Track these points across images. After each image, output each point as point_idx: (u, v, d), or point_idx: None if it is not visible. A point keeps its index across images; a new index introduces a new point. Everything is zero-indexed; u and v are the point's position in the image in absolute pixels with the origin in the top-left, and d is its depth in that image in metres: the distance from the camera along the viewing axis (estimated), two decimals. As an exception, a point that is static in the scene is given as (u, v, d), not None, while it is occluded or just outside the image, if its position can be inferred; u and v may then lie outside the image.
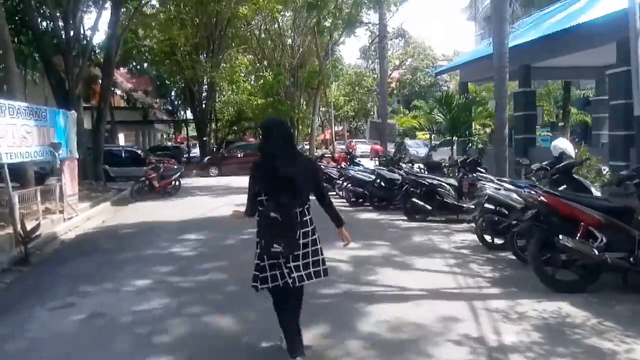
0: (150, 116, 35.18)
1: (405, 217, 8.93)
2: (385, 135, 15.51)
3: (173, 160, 17.37)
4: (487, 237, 6.44)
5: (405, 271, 5.78)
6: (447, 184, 8.45)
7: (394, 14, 15.61)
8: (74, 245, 8.26)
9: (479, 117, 11.12)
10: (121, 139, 46.45)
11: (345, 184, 11.30)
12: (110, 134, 27.45)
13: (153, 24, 25.89)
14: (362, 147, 39.32)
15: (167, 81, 33.10)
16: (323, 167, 13.60)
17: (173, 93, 41.65)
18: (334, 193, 12.93)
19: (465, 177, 8.93)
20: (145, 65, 30.79)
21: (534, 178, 6.81)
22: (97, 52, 21.29)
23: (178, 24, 25.69)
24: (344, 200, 11.49)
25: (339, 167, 13.11)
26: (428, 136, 19.08)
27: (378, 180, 10.23)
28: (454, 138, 11.48)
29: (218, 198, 14.16)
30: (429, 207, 8.39)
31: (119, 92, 31.01)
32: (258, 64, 31.99)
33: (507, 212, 6.10)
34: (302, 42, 30.57)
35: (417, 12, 79.62)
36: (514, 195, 5.92)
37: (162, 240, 7.99)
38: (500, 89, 9.43)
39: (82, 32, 16.19)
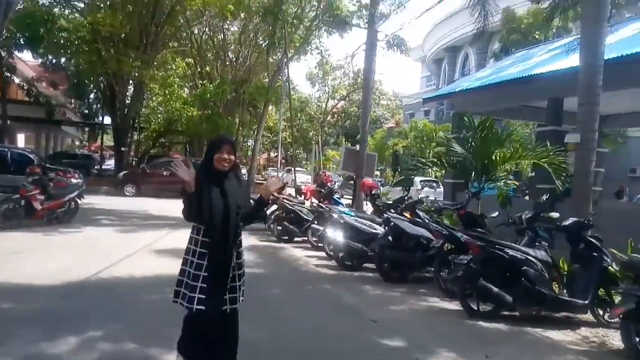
0: (58, 116, 29.25)
1: (440, 301, 5.51)
2: (363, 166, 12.08)
3: (73, 172, 12.61)
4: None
5: None
6: (536, 258, 5.07)
7: (385, 20, 12.68)
8: None
9: (527, 155, 7.97)
10: (20, 140, 39.33)
11: (332, 233, 7.62)
12: (3, 132, 21.70)
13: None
14: (301, 177, 36.03)
15: (86, 79, 27.71)
16: (289, 204, 9.86)
17: (92, 95, 36.03)
18: (306, 243, 9.24)
19: (538, 244, 5.67)
20: (63, 60, 25.60)
21: None
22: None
23: (106, 6, 21.06)
24: (328, 260, 7.82)
25: (315, 205, 9.40)
26: (433, 174, 15.82)
27: (390, 236, 6.68)
28: (473, 181, 8.28)
29: (132, 234, 9.82)
30: (508, 297, 4.92)
31: (17, 79, 25.12)
32: (197, 71, 27.72)
33: None
34: (249, 56, 27.11)
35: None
36: None
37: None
38: (588, 118, 6.39)
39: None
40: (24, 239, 8.35)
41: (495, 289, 4.91)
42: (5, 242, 7.94)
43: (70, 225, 9.98)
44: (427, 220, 7.12)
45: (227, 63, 27.87)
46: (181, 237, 3.31)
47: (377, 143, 35.43)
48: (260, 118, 28.19)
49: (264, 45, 27.46)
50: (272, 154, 56.60)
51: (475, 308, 5.10)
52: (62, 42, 22.84)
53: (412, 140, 29.26)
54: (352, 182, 20.77)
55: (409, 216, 7.37)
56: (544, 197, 7.18)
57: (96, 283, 5.70)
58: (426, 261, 6.55)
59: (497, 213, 6.84)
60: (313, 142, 46.14)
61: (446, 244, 5.94)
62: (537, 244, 5.77)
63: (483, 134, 8.06)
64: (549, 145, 8.70)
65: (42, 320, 4.32)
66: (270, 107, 29.28)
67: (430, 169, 9.40)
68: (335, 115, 49.51)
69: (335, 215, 7.68)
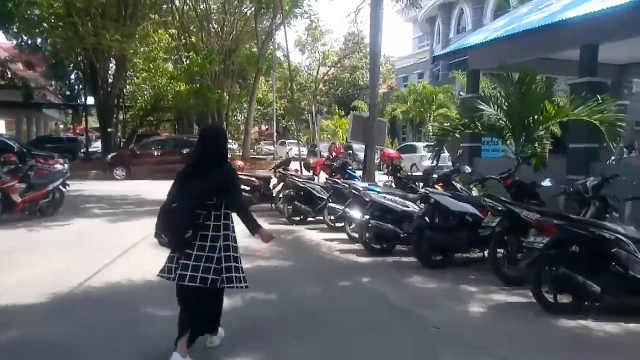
0: (38, 98, 27.63)
1: (499, 291, 4.65)
2: (373, 134, 11.03)
3: (56, 158, 11.44)
4: None
5: None
6: (627, 236, 4.14)
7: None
8: None
9: (579, 113, 6.93)
10: (1, 126, 37.60)
11: (356, 213, 6.67)
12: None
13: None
14: (295, 149, 34.82)
15: (64, 58, 26.04)
16: (299, 181, 8.86)
17: (73, 76, 34.25)
18: (320, 223, 8.32)
19: (609, 215, 4.77)
20: (39, 41, 23.92)
21: None
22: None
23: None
24: (351, 244, 6.90)
25: (330, 181, 8.39)
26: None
27: (429, 214, 5.73)
28: (512, 143, 7.29)
29: (126, 222, 8.82)
30: (596, 287, 3.99)
31: (-12, 61, 23.48)
32: (181, 44, 26.06)
33: None
34: (235, 24, 25.53)
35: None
36: None
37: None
38: None
39: None
40: (2, 238, 7.31)
41: (581, 278, 3.99)
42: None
43: (56, 218, 8.94)
44: (466, 193, 6.18)
45: (212, 33, 26.29)
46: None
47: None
48: (252, 89, 26.91)
49: (249, 12, 26.01)
50: (263, 127, 55.27)
51: (552, 301, 4.20)
52: (34, 18, 21.21)
53: (411, 104, 28.07)
54: (350, 151, 19.73)
55: (440, 189, 6.42)
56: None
57: (88, 294, 4.71)
58: (473, 242, 5.64)
59: (548, 180, 5.88)
60: (305, 113, 44.88)
61: (501, 223, 4.98)
62: (607, 215, 4.87)
63: (522, 90, 7.00)
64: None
65: (18, 356, 3.36)
66: (260, 78, 27.86)
67: (456, 134, 8.32)
68: (327, 83, 48.05)
69: (359, 192, 6.70)
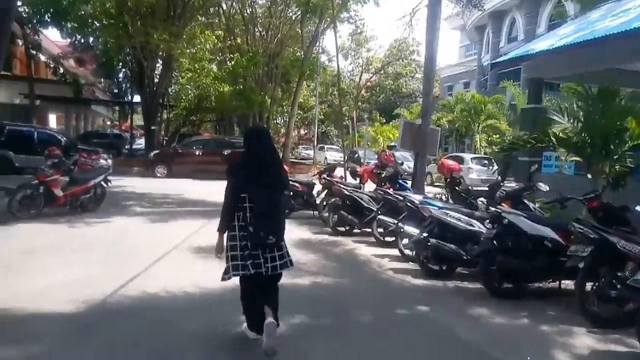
0: (87, 95, 28.34)
1: (587, 334, 3.99)
2: (425, 142, 10.34)
3: (101, 153, 11.36)
4: None
5: None
6: None
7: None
8: None
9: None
10: (52, 120, 38.97)
11: (412, 229, 6.07)
12: (31, 111, 20.94)
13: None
14: (333, 154, 34.28)
15: (113, 57, 26.58)
16: (345, 190, 8.32)
17: (121, 74, 35.08)
18: (366, 236, 7.75)
19: None
20: (91, 40, 24.51)
21: None
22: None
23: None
24: (404, 262, 6.31)
25: (381, 192, 7.80)
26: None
27: (500, 237, 5.05)
28: (589, 160, 6.47)
29: (166, 224, 8.50)
30: None
31: (43, 57, 24.16)
32: (226, 45, 26.08)
33: None
34: (280, 27, 25.37)
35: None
36: None
37: None
38: None
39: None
40: (41, 232, 7.13)
41: None
42: (17, 239, 6.72)
43: (97, 214, 8.75)
44: (539, 213, 5.46)
45: (258, 36, 26.24)
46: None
47: (416, 118, 33.33)
48: (295, 93, 26.66)
49: (294, 17, 25.80)
50: (302, 131, 55.13)
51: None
52: (87, 16, 21.68)
53: (458, 114, 27.04)
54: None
55: (506, 207, 5.72)
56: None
57: (122, 304, 4.31)
58: (551, 272, 4.92)
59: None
60: (347, 118, 44.34)
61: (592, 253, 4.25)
62: None
63: (602, 104, 6.22)
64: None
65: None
66: (303, 82, 27.58)
67: (525, 148, 7.57)
68: (370, 90, 47.39)
69: (415, 206, 6.09)
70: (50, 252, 6.02)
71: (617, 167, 6.89)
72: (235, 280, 3.44)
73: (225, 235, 3.38)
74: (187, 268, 5.55)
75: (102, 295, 4.44)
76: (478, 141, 26.21)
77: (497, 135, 25.85)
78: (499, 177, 7.14)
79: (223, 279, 3.36)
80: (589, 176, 6.68)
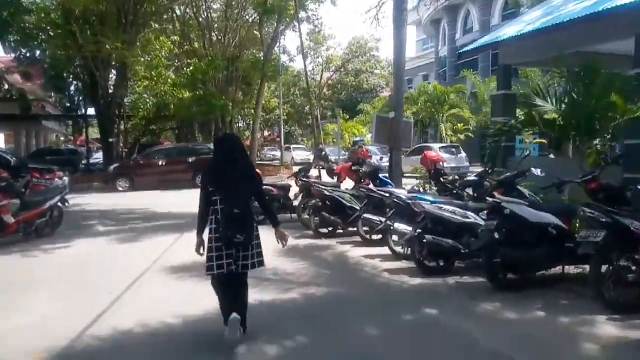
0: (37, 110, 26.78)
1: (606, 322, 3.74)
2: (399, 136, 10.03)
3: (56, 171, 10.52)
4: None
5: None
6: None
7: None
8: None
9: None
10: (-1, 139, 36.71)
11: (404, 226, 5.71)
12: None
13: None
14: (300, 154, 33.83)
15: (62, 68, 25.14)
16: (325, 190, 7.91)
17: (73, 87, 33.43)
18: (351, 236, 7.38)
19: None
20: (38, 53, 23.08)
21: None
22: None
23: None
24: (396, 260, 5.96)
25: (364, 189, 7.41)
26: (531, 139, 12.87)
27: (500, 228, 4.74)
28: (574, 141, 6.31)
29: (135, 243, 7.83)
30: None
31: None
32: (182, 50, 25.14)
33: None
34: (238, 30, 24.79)
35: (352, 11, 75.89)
36: None
37: None
38: None
39: None
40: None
41: None
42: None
43: (55, 239, 7.97)
44: (535, 199, 5.22)
45: (215, 40, 25.51)
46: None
47: (380, 111, 33.27)
48: (258, 95, 26.05)
49: (251, 19, 25.21)
50: (266, 133, 54.43)
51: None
52: (31, 27, 20.37)
53: (422, 105, 27.18)
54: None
55: (500, 196, 5.44)
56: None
57: (91, 349, 3.65)
58: (556, 258, 4.66)
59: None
60: (310, 117, 44.00)
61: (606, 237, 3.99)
62: None
63: (586, 81, 6.04)
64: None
65: None
66: (265, 84, 27.01)
67: (519, 132, 7.39)
68: (331, 88, 47.23)
69: (404, 202, 5.73)
70: (1, 290, 5.29)
71: (599, 146, 6.77)
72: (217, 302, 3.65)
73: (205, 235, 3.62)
74: (162, 294, 4.98)
75: (66, 340, 3.77)
76: (443, 130, 26.43)
77: (462, 124, 26.19)
78: (489, 165, 6.85)
79: (207, 273, 3.62)
80: (569, 157, 6.51)
